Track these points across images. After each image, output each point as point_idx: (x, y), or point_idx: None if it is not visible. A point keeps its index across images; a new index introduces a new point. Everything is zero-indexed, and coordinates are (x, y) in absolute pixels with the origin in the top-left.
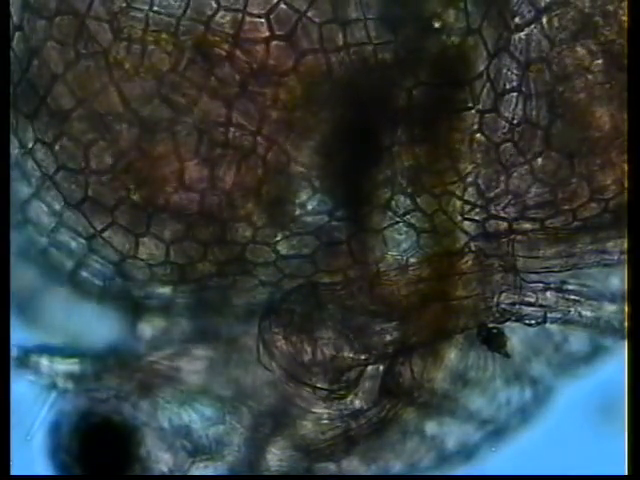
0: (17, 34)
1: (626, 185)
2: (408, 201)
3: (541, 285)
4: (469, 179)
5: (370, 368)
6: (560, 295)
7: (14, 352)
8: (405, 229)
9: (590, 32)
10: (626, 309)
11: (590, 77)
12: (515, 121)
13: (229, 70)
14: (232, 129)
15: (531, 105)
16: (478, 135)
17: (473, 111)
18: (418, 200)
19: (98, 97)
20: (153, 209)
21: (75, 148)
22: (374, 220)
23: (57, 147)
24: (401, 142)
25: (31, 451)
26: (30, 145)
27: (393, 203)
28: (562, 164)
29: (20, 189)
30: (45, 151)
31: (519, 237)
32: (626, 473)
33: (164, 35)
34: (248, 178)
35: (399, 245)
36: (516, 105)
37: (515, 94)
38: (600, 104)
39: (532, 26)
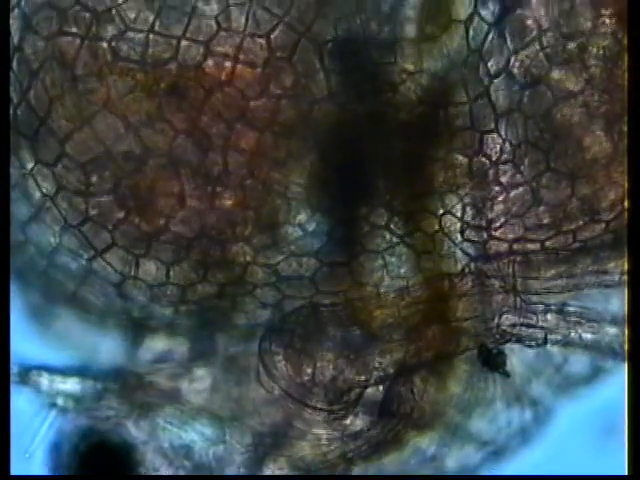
0: (17, 55)
1: (626, 205)
2: (408, 222)
3: (541, 306)
4: (468, 200)
5: (370, 389)
6: (561, 317)
7: (14, 369)
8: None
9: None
10: (626, 331)
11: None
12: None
13: (228, 96)
14: (230, 152)
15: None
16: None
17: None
18: (418, 221)
19: (96, 119)
20: (153, 230)
21: (75, 169)
22: (374, 241)
23: (58, 168)
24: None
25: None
26: (30, 166)
27: (392, 225)
28: (562, 185)
29: (20, 210)
30: (45, 172)
31: (519, 258)
32: (626, 473)
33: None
34: (247, 200)
35: (399, 266)
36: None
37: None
38: (599, 125)
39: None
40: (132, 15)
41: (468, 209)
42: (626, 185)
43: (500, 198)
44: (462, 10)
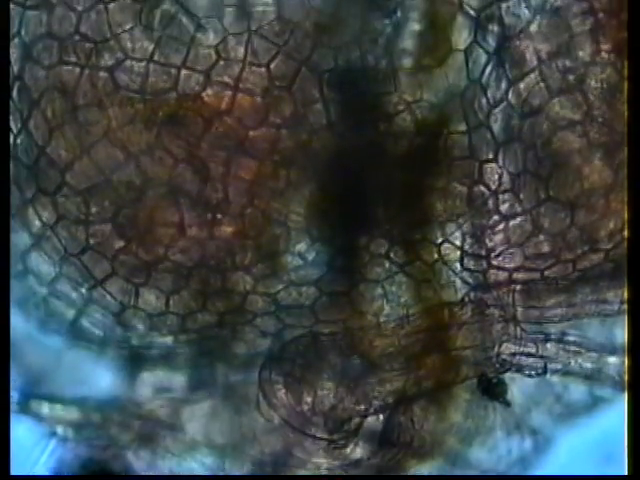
0: (17, 84)
1: (626, 235)
2: (407, 251)
3: (541, 335)
4: (468, 229)
5: (370, 418)
6: (560, 346)
7: (15, 397)
8: (405, 279)
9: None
10: (626, 361)
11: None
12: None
13: (228, 125)
14: (230, 181)
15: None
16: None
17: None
18: (418, 250)
19: (96, 149)
20: (153, 259)
21: (75, 198)
22: (374, 271)
23: (58, 197)
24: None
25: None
26: (30, 195)
27: (392, 254)
28: (562, 214)
29: (20, 239)
30: (45, 201)
31: (519, 287)
32: (626, 473)
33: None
34: (247, 229)
35: (399, 295)
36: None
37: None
38: (598, 154)
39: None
40: (132, 45)
41: (468, 238)
42: (626, 215)
43: (500, 227)
44: (461, 39)
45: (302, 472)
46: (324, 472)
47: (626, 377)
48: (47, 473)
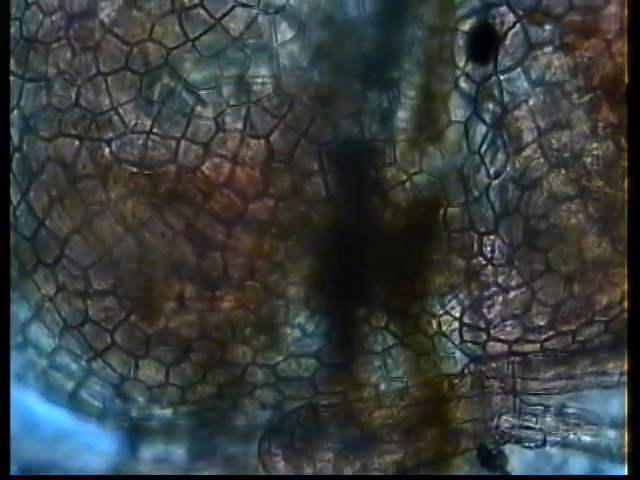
0: (17, 156)
1: (626, 306)
2: (406, 323)
3: (541, 408)
4: (467, 301)
5: None
6: (560, 418)
7: (14, 470)
8: (404, 351)
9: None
10: (626, 434)
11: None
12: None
13: (227, 198)
14: (229, 254)
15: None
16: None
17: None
18: (417, 322)
19: (96, 221)
20: (153, 331)
21: (75, 270)
22: (373, 342)
23: (57, 269)
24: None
25: None
26: (30, 266)
27: (391, 326)
28: (561, 286)
29: (20, 310)
30: (45, 272)
31: (518, 359)
32: (626, 473)
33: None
34: (246, 301)
35: (398, 367)
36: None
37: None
38: (598, 226)
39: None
40: (131, 118)
41: (467, 310)
42: (625, 286)
43: (499, 299)
44: (461, 111)
45: None
46: None
47: (625, 450)
48: None
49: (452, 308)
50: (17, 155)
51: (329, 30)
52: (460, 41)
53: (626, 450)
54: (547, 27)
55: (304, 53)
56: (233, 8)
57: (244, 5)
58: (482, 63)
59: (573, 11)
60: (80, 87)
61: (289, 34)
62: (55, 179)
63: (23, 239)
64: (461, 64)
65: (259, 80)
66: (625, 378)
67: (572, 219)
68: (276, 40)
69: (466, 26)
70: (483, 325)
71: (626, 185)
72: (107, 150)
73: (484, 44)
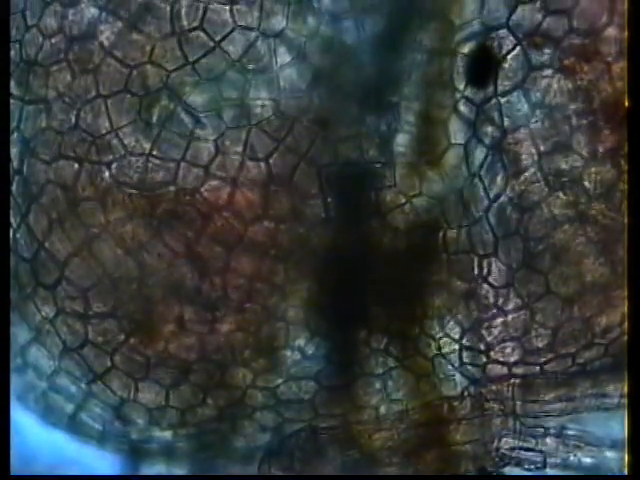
0: (16, 178)
1: (626, 328)
2: (406, 346)
3: (541, 430)
4: (467, 323)
5: None
6: (560, 440)
7: None
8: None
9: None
10: (626, 456)
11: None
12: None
13: (227, 220)
14: (229, 276)
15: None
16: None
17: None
18: (417, 345)
19: (95, 243)
20: (153, 354)
21: (75, 292)
22: (373, 365)
23: (57, 291)
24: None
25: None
26: (30, 289)
27: (391, 348)
28: (561, 308)
29: (20, 332)
30: (45, 295)
31: (518, 381)
32: (626, 473)
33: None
34: (246, 323)
35: (398, 390)
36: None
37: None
38: (598, 249)
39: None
40: (130, 140)
41: (467, 332)
42: (625, 308)
43: (499, 321)
44: (461, 133)
45: None
46: None
47: (626, 471)
48: None
49: (452, 330)
50: (17, 177)
51: (328, 54)
52: (460, 64)
53: (626, 471)
54: (547, 50)
55: (304, 76)
56: (233, 31)
57: (244, 28)
58: (482, 86)
59: (573, 34)
60: (80, 110)
61: (289, 57)
62: (55, 201)
63: (23, 261)
64: (461, 87)
65: (259, 103)
66: (625, 400)
67: (571, 242)
68: (276, 63)
69: (466, 49)
70: (483, 347)
71: (625, 208)
72: (107, 173)
73: (484, 67)
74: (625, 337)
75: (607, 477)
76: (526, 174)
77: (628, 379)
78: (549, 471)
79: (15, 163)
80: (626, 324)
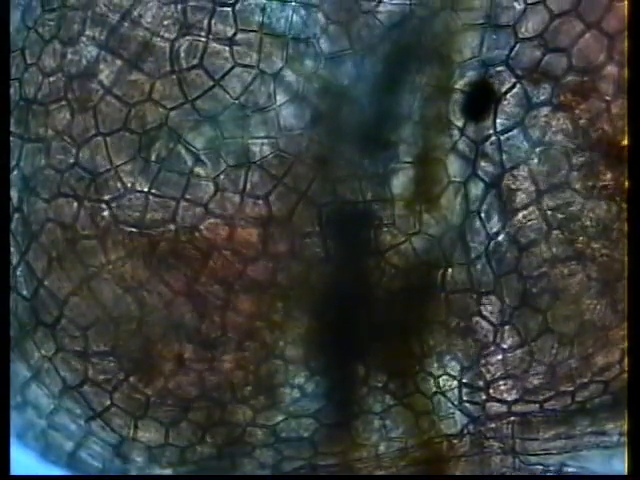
0: (16, 216)
1: (625, 366)
2: (406, 384)
3: (540, 467)
4: (466, 362)
5: None
6: (559, 479)
7: None
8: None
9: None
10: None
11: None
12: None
13: (226, 258)
14: (228, 314)
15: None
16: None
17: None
18: (416, 383)
19: (95, 281)
20: (152, 392)
21: (74, 331)
22: (372, 403)
23: (57, 329)
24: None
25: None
26: (30, 327)
27: (390, 386)
28: (560, 346)
29: (20, 370)
30: (44, 333)
31: (518, 419)
32: (626, 473)
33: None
34: (246, 361)
35: (398, 427)
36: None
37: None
38: (597, 287)
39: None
40: (130, 178)
41: (466, 370)
42: (625, 346)
43: (498, 359)
44: (460, 171)
45: None
46: None
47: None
48: None
49: (451, 368)
50: (17, 215)
51: (327, 93)
52: (459, 101)
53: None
54: (546, 87)
55: (303, 115)
56: (232, 68)
57: (243, 66)
58: (481, 123)
59: (572, 72)
60: (79, 148)
61: (288, 96)
62: (54, 240)
63: (23, 299)
64: (460, 124)
65: (258, 141)
66: (624, 438)
67: (571, 280)
68: (275, 101)
69: (465, 86)
70: (482, 385)
71: (625, 246)
72: (106, 212)
73: (483, 104)
74: (625, 375)
75: (607, 477)
76: (524, 212)
77: (628, 417)
78: None
79: (15, 201)
80: (625, 361)
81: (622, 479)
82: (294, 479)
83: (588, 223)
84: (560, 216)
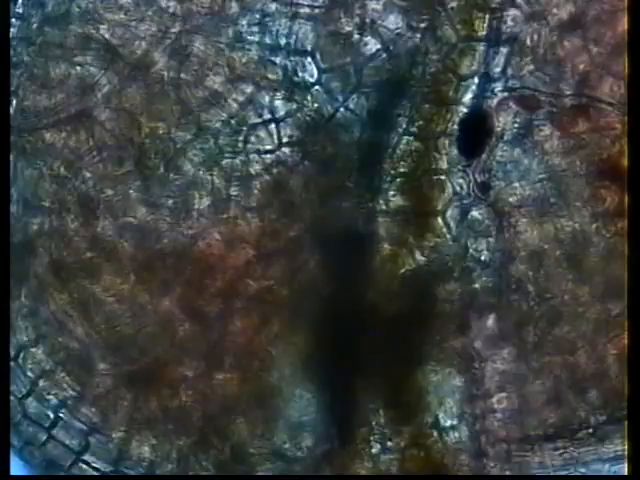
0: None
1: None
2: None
3: None
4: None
5: None
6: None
7: None
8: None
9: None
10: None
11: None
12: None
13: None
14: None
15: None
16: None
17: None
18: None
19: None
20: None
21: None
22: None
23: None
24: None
25: None
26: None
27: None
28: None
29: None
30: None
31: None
32: (626, 473)
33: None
34: (243, 379)
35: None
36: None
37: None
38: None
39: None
40: (128, 195)
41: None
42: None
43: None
44: (457, 194)
45: None
46: None
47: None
48: None
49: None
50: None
51: (316, 130)
52: (454, 129)
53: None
54: (544, 110)
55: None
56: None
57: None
58: (477, 152)
59: (571, 95)
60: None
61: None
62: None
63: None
64: (454, 153)
65: (257, 160)
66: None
67: (571, 300)
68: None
69: (460, 113)
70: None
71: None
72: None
73: (479, 131)
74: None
75: (607, 477)
76: (524, 236)
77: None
78: None
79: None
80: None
81: (622, 479)
82: (294, 479)
83: (590, 249)
84: (561, 242)
